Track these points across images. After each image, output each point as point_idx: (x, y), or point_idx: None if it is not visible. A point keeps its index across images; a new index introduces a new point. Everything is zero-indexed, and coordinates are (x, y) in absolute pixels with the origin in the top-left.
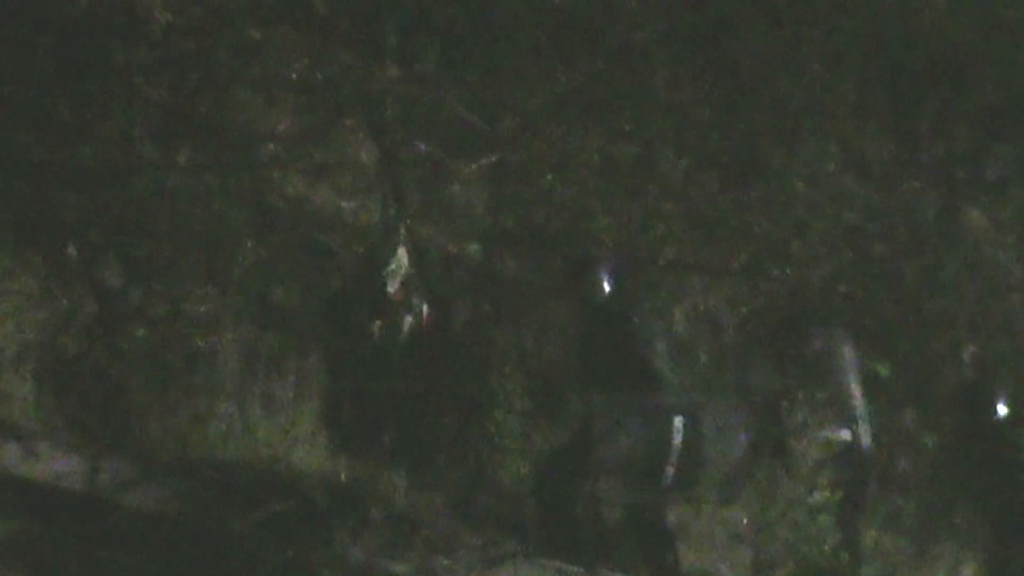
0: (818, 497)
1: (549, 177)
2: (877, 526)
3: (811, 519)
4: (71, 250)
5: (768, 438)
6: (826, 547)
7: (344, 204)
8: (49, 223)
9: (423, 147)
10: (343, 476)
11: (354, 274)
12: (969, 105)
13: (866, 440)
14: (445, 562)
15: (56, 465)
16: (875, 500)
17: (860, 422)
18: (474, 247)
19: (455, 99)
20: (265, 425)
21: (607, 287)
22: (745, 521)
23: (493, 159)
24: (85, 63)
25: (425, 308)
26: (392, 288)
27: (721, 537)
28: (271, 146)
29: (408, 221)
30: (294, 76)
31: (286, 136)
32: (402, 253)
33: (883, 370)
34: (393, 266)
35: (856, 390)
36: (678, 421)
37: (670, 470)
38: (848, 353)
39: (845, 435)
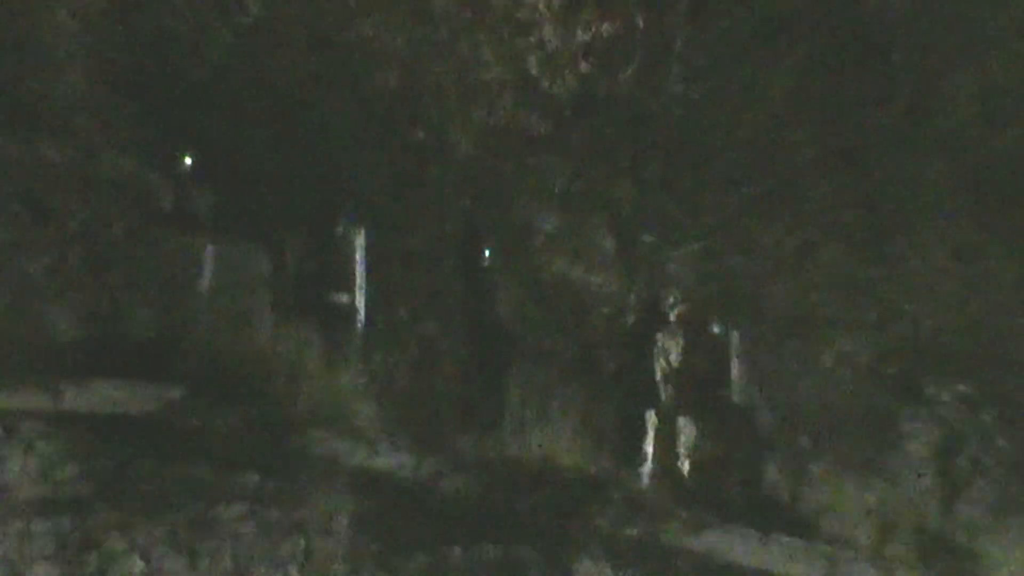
0: None
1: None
2: None
3: None
4: (401, 312)
5: None
6: None
7: (593, 278)
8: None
9: (647, 237)
10: (593, 470)
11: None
12: None
13: None
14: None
15: (391, 461)
16: None
17: None
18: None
19: (664, 200)
20: (537, 431)
21: None
22: None
23: (697, 247)
24: (413, 181)
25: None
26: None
27: None
28: (542, 237)
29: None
30: (556, 189)
31: (552, 230)
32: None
33: None
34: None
35: None
36: None
37: None
38: None
39: None
